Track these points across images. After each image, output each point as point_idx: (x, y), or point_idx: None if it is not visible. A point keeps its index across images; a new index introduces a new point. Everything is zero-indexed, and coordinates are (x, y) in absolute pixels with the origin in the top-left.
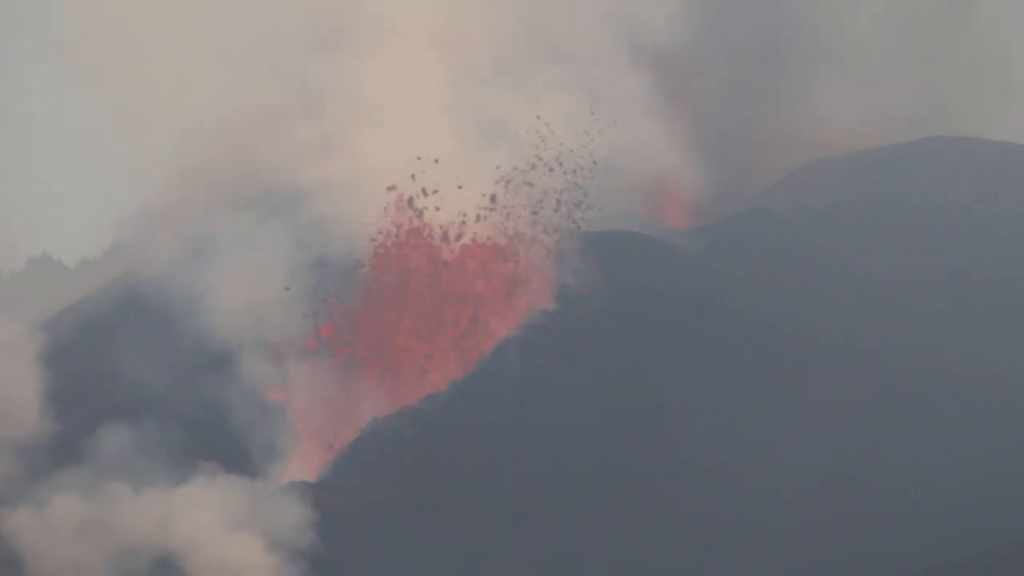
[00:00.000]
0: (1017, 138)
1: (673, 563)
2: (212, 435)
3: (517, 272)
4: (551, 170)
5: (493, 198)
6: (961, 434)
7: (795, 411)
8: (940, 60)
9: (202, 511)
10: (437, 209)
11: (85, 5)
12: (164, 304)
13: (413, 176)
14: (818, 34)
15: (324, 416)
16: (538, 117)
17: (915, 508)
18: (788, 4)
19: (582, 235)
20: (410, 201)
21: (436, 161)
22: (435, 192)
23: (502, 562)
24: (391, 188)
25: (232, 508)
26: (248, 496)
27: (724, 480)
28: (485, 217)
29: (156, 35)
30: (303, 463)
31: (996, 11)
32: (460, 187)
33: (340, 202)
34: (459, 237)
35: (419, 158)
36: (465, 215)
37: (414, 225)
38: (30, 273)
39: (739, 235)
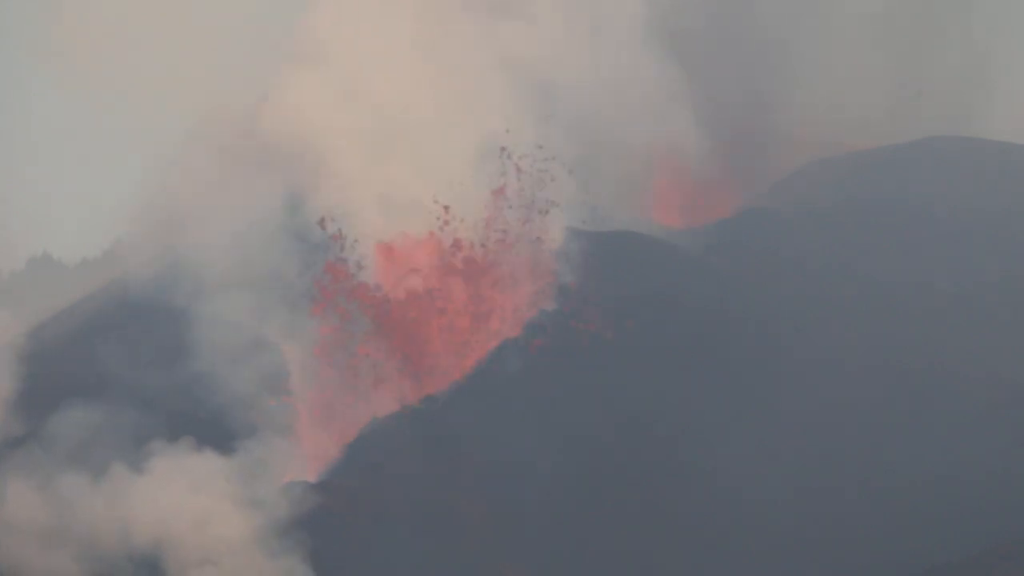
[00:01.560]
0: (1015, 137)
1: (674, 563)
2: (211, 434)
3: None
4: (549, 180)
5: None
6: (961, 434)
7: (795, 411)
8: (940, 59)
9: (194, 495)
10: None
11: (85, 5)
12: (162, 303)
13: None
14: (817, 34)
15: (324, 416)
16: (540, 146)
17: (915, 508)
18: (788, 4)
19: (582, 235)
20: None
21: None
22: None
23: (502, 562)
24: (321, 222)
25: (223, 490)
26: (242, 483)
27: (724, 481)
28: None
29: (155, 34)
30: (303, 463)
31: (996, 10)
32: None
33: (337, 202)
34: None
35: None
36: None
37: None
38: (30, 273)
39: (739, 235)
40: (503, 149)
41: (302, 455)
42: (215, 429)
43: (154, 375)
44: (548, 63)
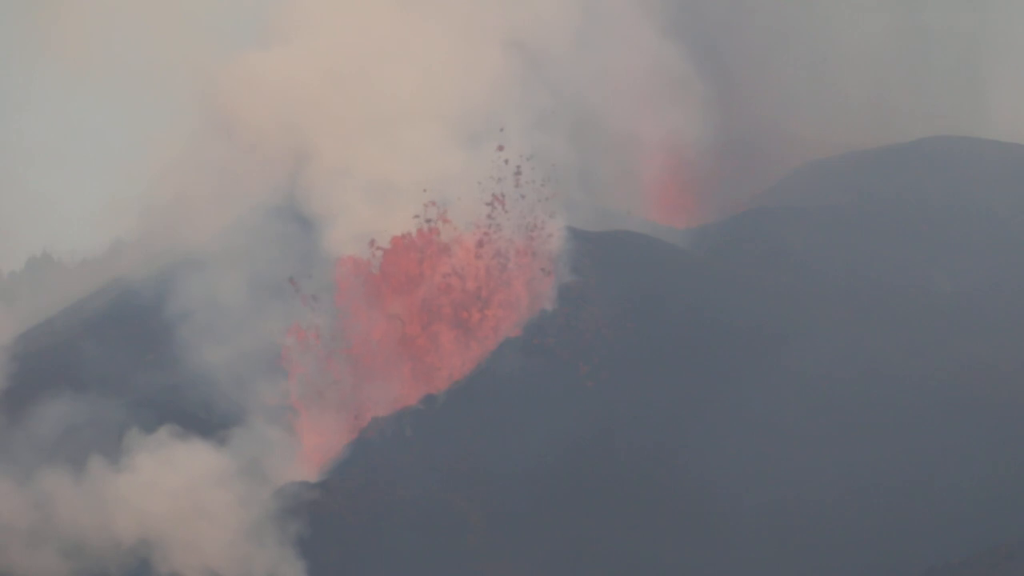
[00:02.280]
0: (1013, 137)
1: (674, 563)
2: (210, 433)
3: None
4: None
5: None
6: (961, 434)
7: (794, 410)
8: (940, 59)
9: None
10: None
11: (85, 4)
12: (162, 304)
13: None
14: (817, 35)
15: (324, 416)
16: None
17: (915, 508)
18: (788, 6)
19: (582, 235)
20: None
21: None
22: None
23: (502, 562)
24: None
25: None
26: (241, 482)
27: (724, 482)
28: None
29: (158, 33)
30: (303, 462)
31: (995, 10)
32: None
33: (339, 201)
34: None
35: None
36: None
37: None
38: (30, 273)
39: (739, 235)
40: (500, 148)
41: (302, 454)
42: (215, 428)
43: (152, 374)
44: (546, 47)
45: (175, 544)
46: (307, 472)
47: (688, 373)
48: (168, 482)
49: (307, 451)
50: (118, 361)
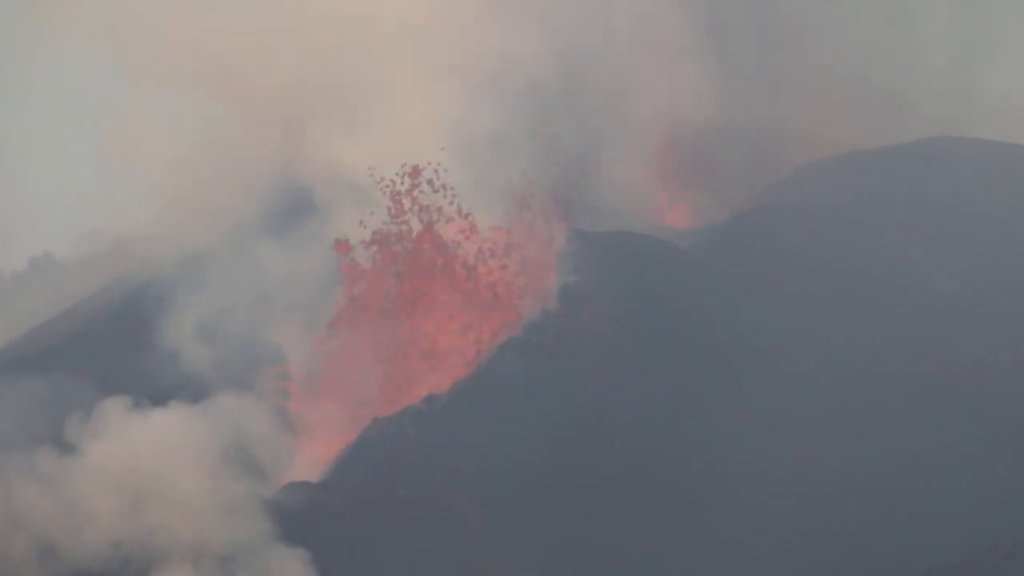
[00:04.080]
0: (1008, 136)
1: (673, 563)
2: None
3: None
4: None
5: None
6: (961, 434)
7: (795, 410)
8: (939, 59)
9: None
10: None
11: (86, 2)
12: (164, 303)
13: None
14: (817, 35)
15: (325, 416)
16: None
17: (915, 509)
18: (788, 6)
19: (582, 235)
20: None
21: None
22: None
23: (502, 562)
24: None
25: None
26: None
27: (724, 482)
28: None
29: (161, 31)
30: (304, 463)
31: (993, 10)
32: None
33: (344, 195)
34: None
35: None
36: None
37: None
38: (30, 273)
39: (739, 235)
40: (516, 180)
41: (302, 454)
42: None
43: (152, 374)
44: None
45: (174, 542)
46: (307, 471)
47: (688, 373)
48: (167, 479)
49: (307, 450)
50: (118, 361)
